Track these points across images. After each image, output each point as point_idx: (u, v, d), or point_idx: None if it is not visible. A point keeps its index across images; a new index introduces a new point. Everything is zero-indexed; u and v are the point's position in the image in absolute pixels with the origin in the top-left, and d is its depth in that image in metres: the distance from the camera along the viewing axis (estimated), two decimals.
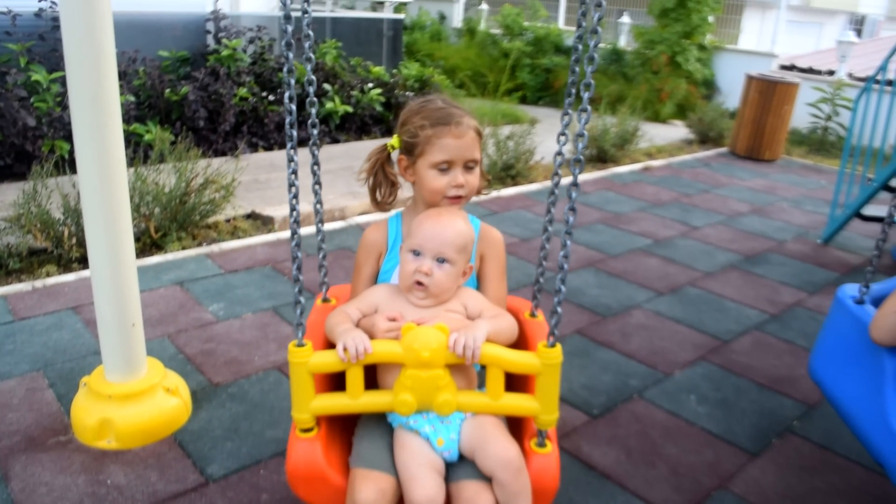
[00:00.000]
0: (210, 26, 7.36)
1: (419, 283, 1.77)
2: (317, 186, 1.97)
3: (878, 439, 2.24)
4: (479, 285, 1.97)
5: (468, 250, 1.83)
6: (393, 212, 2.05)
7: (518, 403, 1.69)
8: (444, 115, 1.85)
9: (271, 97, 7.26)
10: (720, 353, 3.69)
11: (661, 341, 3.77)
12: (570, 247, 1.62)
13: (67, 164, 5.32)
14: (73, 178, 4.67)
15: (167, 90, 6.53)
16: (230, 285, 4.07)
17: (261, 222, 5.16)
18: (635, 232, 5.52)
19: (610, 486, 2.64)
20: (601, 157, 7.74)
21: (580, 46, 1.72)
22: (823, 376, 2.63)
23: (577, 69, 1.72)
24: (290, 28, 1.62)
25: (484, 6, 14.68)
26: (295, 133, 1.66)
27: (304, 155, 5.78)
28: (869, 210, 5.40)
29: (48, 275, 4.06)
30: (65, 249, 4.16)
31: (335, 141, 7.60)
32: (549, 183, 6.58)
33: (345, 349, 1.62)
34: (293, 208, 1.70)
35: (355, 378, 1.65)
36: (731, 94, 10.43)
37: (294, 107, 1.65)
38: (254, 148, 6.99)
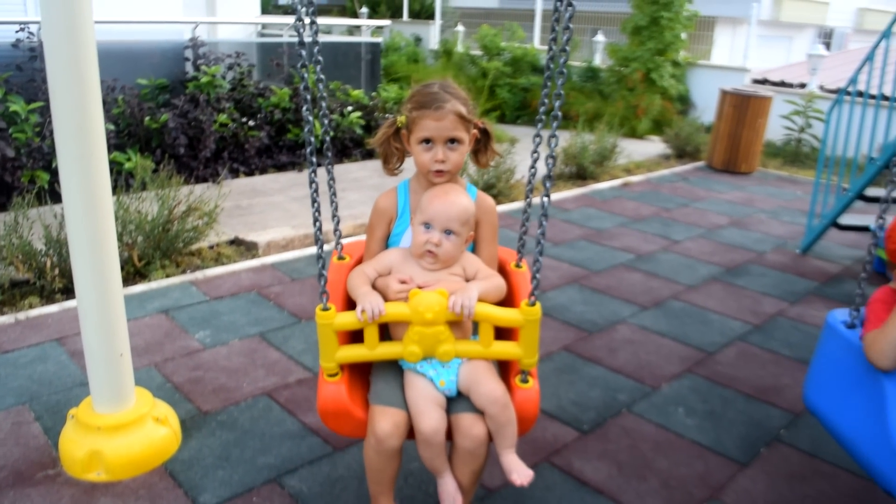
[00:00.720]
0: (189, 53, 7.37)
1: (430, 252, 2.09)
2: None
3: (883, 465, 2.18)
4: (474, 246, 2.28)
5: (470, 223, 2.15)
6: (401, 181, 2.34)
7: (505, 350, 2.05)
8: (429, 100, 2.12)
9: (251, 123, 7.27)
10: (706, 365, 3.73)
11: (647, 355, 3.81)
12: (547, 205, 1.91)
13: (48, 195, 5.30)
14: (53, 208, 4.65)
15: (147, 118, 6.52)
16: (216, 312, 4.06)
17: (244, 248, 5.15)
18: (617, 247, 5.57)
19: (603, 501, 2.65)
20: (581, 174, 7.81)
21: (552, 66, 1.98)
22: (820, 405, 2.56)
23: (549, 85, 2.03)
24: (303, 52, 1.94)
25: (460, 28, 14.82)
26: (312, 141, 2.00)
27: (284, 178, 5.86)
28: (846, 219, 5.49)
29: (31, 306, 4.02)
30: (47, 280, 4.12)
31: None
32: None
33: (363, 311, 1.94)
34: (316, 217, 2.09)
35: (372, 333, 2.00)
36: (706, 108, 10.58)
37: (311, 117, 1.98)
38: (235, 174, 6.99)
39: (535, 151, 2.21)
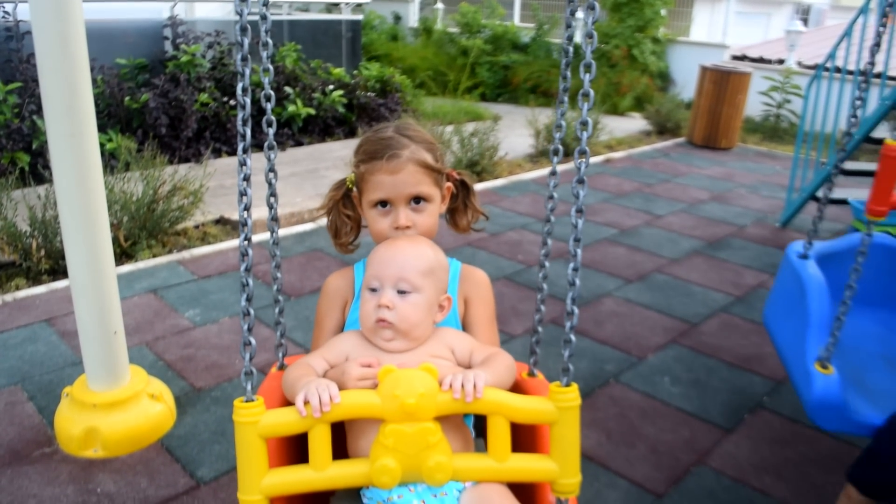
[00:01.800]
0: (168, 32, 7.29)
1: (381, 321, 1.46)
2: (272, 199, 1.52)
3: (798, 378, 2.46)
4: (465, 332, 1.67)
5: (437, 276, 1.53)
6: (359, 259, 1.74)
7: (531, 465, 1.33)
8: (380, 148, 1.58)
9: (232, 102, 7.22)
10: (690, 336, 3.81)
11: (632, 327, 3.88)
12: (581, 227, 1.39)
13: (30, 176, 5.25)
14: (37, 189, 4.62)
15: (126, 98, 6.47)
16: (204, 291, 4.07)
17: (230, 227, 5.15)
18: (601, 222, 5.64)
19: (593, 467, 2.72)
20: (564, 151, 7.83)
21: (570, 49, 1.48)
22: (769, 323, 2.95)
23: (568, 74, 1.51)
24: (246, 41, 1.32)
25: (440, 5, 14.74)
26: (248, 132, 1.36)
27: (258, 161, 5.78)
28: (824, 193, 5.58)
29: (17, 288, 4.01)
30: (33, 262, 4.11)
31: (299, 144, 7.59)
32: (514, 178, 6.69)
33: (305, 402, 1.26)
34: (244, 223, 1.38)
35: (321, 441, 1.27)
36: (686, 85, 10.65)
37: (247, 101, 1.34)
38: (217, 153, 6.95)
39: (557, 125, 1.53)
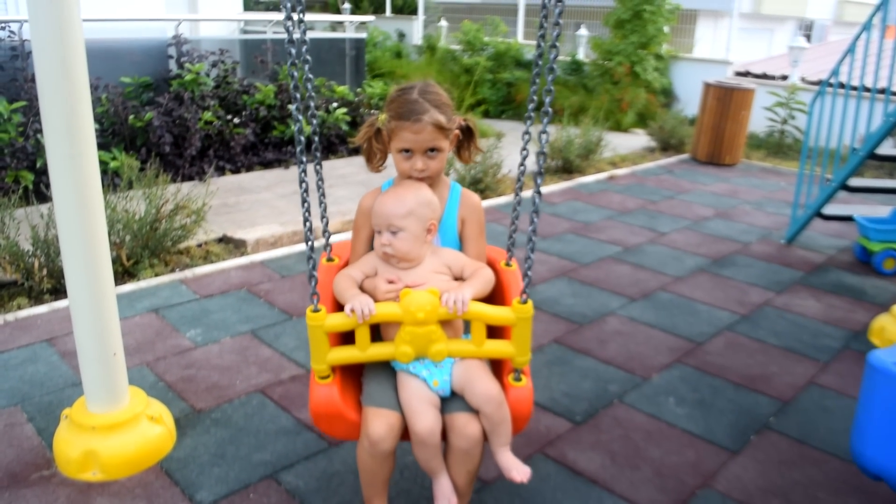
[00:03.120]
0: (172, 51, 7.33)
1: (386, 254, 2.10)
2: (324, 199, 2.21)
3: None
4: (461, 244, 2.28)
5: (417, 214, 2.09)
6: (385, 179, 2.33)
7: (498, 348, 2.06)
8: (406, 111, 2.09)
9: (236, 120, 7.24)
10: (695, 355, 3.77)
11: (636, 346, 3.84)
12: (538, 201, 1.94)
13: (33, 195, 5.26)
14: (39, 208, 4.63)
15: (131, 116, 6.49)
16: (206, 310, 4.05)
17: (233, 246, 5.14)
18: (604, 240, 5.61)
19: (597, 490, 2.68)
20: (567, 168, 7.84)
21: (540, 62, 1.96)
22: (880, 460, 2.30)
23: (538, 82, 2.00)
24: (293, 50, 1.91)
25: (443, 23, 14.82)
26: (302, 139, 1.97)
27: (271, 176, 5.89)
28: (829, 209, 5.56)
29: (19, 307, 4.00)
30: (35, 281, 4.10)
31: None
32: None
33: (352, 311, 1.93)
34: (306, 217, 2.02)
35: (362, 334, 1.98)
36: (689, 101, 10.65)
37: (301, 118, 1.96)
38: (221, 172, 6.96)
39: (524, 148, 2.16)
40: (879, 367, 2.27)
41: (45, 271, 4.11)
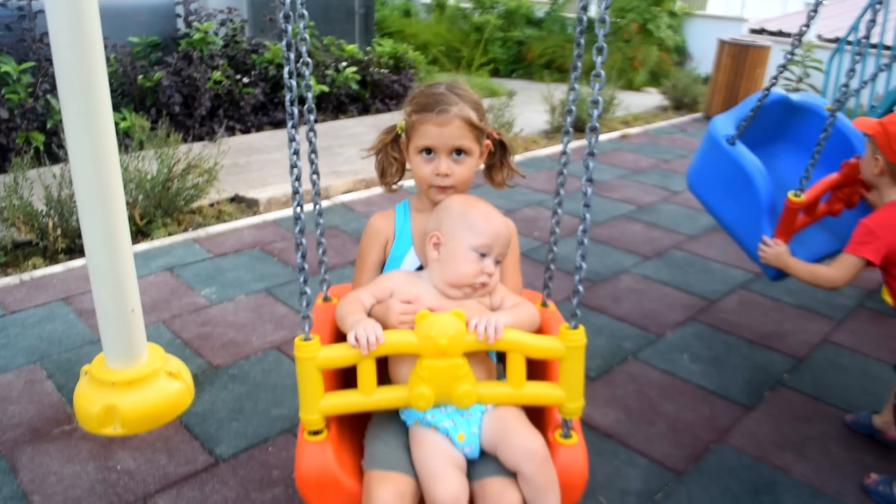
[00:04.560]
0: (180, 10, 7.24)
1: (483, 284, 1.73)
2: (314, 176, 1.93)
3: (750, 243, 2.97)
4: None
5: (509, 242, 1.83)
6: (401, 199, 2.01)
7: (542, 392, 1.62)
8: (431, 102, 1.80)
9: (245, 80, 7.18)
10: (709, 313, 3.77)
11: (650, 304, 3.84)
12: (588, 221, 1.58)
13: (45, 155, 5.25)
14: (52, 168, 4.62)
15: (140, 76, 6.44)
16: (220, 269, 4.07)
17: (245, 205, 5.14)
18: (618, 199, 5.58)
19: (612, 444, 2.70)
20: (579, 127, 7.74)
21: (584, 17, 1.69)
22: (702, 193, 3.31)
23: (582, 41, 1.74)
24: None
25: None
26: (296, 111, 1.62)
27: (281, 135, 5.83)
28: None
29: (35, 267, 4.02)
30: (49, 241, 4.11)
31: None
32: (529, 154, 6.63)
33: (355, 339, 1.53)
34: (295, 191, 1.64)
35: (367, 372, 1.55)
36: (703, 59, 10.49)
37: (294, 83, 1.63)
38: (231, 131, 6.93)
39: (569, 109, 1.80)
40: (713, 135, 3.17)
41: (59, 231, 4.12)
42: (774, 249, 2.77)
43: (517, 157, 6.42)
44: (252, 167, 5.88)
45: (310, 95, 1.72)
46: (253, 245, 4.42)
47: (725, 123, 3.18)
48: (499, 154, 1.98)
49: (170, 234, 4.50)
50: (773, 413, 2.95)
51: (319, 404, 1.56)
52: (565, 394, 1.58)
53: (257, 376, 3.05)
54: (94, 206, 2.51)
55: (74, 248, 4.17)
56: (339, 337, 1.74)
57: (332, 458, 1.59)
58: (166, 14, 7.22)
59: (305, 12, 1.62)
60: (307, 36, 1.65)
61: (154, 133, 4.77)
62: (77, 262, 4.02)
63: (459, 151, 1.82)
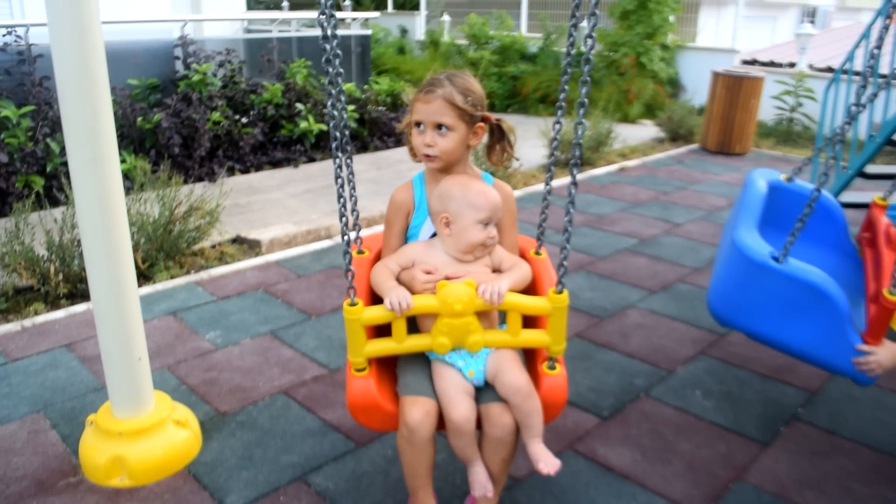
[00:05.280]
0: (178, 52, 7.29)
1: (486, 247, 2.15)
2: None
3: (836, 359, 2.66)
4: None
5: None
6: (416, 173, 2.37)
7: (534, 338, 2.09)
8: (426, 84, 2.16)
9: (244, 120, 7.21)
10: (719, 347, 3.74)
11: (659, 339, 3.81)
12: (574, 192, 1.97)
13: (46, 199, 5.24)
14: (52, 212, 4.60)
15: (139, 118, 6.47)
16: (224, 312, 4.03)
17: (247, 246, 5.12)
18: (619, 232, 5.57)
19: (630, 486, 2.65)
20: (583, 160, 7.79)
21: (572, 52, 2.06)
22: (747, 323, 2.87)
23: (569, 72, 2.05)
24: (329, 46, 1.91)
25: (446, 17, 14.76)
26: (339, 134, 2.03)
27: (281, 175, 5.83)
28: (846, 197, 5.50)
29: (36, 313, 3.97)
30: (51, 286, 4.08)
31: (311, 160, 7.56)
32: (529, 189, 6.64)
33: (390, 304, 1.96)
34: (342, 213, 2.04)
35: (400, 327, 2.00)
36: (697, 91, 10.59)
37: (337, 113, 2.01)
38: (231, 172, 6.93)
39: (554, 139, 2.21)
40: (755, 259, 2.71)
41: (60, 276, 4.09)
42: (877, 356, 2.57)
43: (517, 193, 6.42)
44: (253, 207, 5.88)
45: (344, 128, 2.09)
46: (256, 287, 4.39)
47: (750, 236, 2.82)
48: (497, 136, 2.30)
49: (172, 277, 4.47)
50: (790, 449, 2.90)
51: (364, 349, 2.02)
52: (551, 339, 2.07)
53: (265, 422, 2.99)
54: (100, 254, 2.48)
55: (76, 293, 4.14)
56: (373, 292, 2.19)
57: (374, 388, 2.06)
58: (165, 56, 7.28)
59: (340, 52, 1.95)
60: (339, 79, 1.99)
61: (155, 175, 4.76)
62: (79, 308, 3.98)
63: (441, 126, 2.13)
